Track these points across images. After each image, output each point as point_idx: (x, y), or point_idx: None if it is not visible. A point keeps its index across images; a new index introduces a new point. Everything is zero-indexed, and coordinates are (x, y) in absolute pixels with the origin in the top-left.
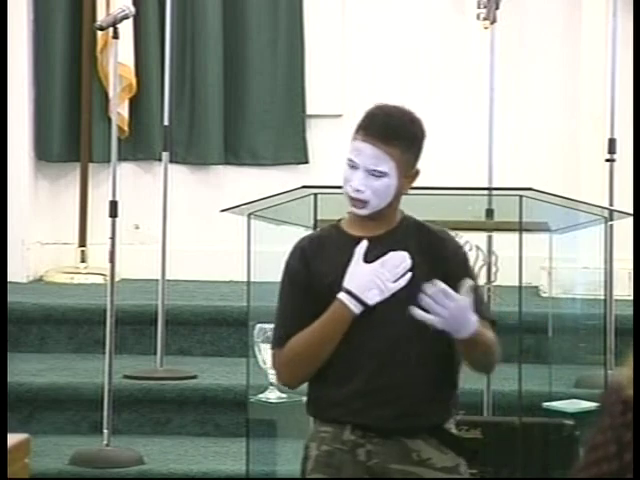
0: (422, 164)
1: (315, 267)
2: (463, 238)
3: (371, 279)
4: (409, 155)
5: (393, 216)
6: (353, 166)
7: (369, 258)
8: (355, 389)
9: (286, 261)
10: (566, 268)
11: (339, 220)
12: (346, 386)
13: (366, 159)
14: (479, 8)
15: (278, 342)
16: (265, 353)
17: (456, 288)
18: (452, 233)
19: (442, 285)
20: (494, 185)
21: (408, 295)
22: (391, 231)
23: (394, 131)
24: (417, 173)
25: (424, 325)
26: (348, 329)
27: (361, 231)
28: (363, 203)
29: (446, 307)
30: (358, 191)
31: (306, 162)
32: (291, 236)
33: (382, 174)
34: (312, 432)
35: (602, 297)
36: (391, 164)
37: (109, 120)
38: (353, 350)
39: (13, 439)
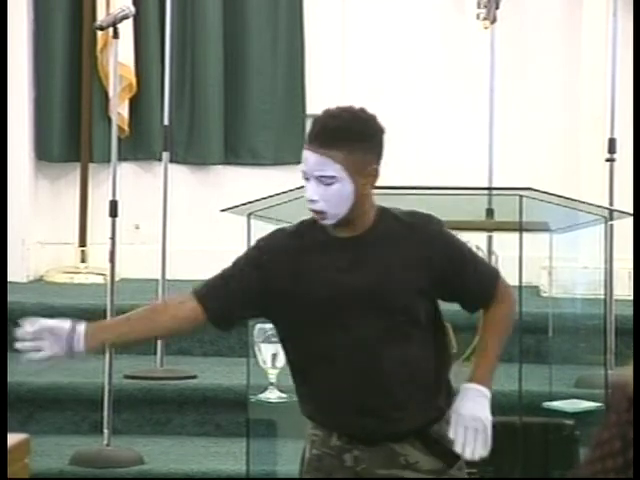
0: (422, 164)
1: (279, 271)
2: (463, 238)
3: None
4: (358, 154)
5: (367, 216)
6: (305, 177)
7: (350, 258)
8: (336, 401)
9: (258, 241)
10: (566, 268)
11: None
12: (327, 398)
13: (311, 166)
14: (479, 8)
15: (195, 291)
16: (265, 353)
17: (447, 270)
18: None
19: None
20: (494, 185)
21: (381, 297)
22: (370, 229)
23: (332, 134)
24: (375, 171)
25: (393, 326)
26: (320, 338)
27: (341, 232)
28: (321, 214)
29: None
30: (312, 201)
31: None
32: None
33: (331, 179)
34: (307, 433)
35: (602, 297)
36: (336, 167)
37: (109, 120)
38: (328, 361)
39: (13, 439)
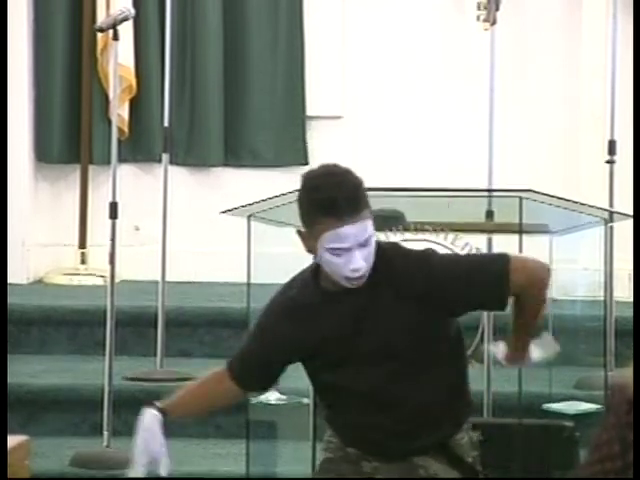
0: (422, 165)
1: (295, 335)
2: (463, 240)
3: None
4: (368, 204)
5: None
6: (339, 254)
7: (351, 310)
8: (360, 429)
9: (267, 311)
10: (566, 270)
11: (317, 266)
12: (352, 425)
13: (356, 238)
14: (479, 9)
15: (228, 364)
16: None
17: (446, 298)
18: (451, 235)
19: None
20: (494, 186)
21: (390, 332)
22: (370, 274)
23: (351, 199)
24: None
25: (409, 362)
26: (339, 380)
27: (339, 285)
28: (361, 277)
29: None
30: (359, 269)
31: (306, 163)
32: (291, 237)
33: (369, 238)
34: (325, 438)
35: (602, 298)
36: (369, 223)
37: (109, 121)
38: (352, 396)
39: (13, 440)
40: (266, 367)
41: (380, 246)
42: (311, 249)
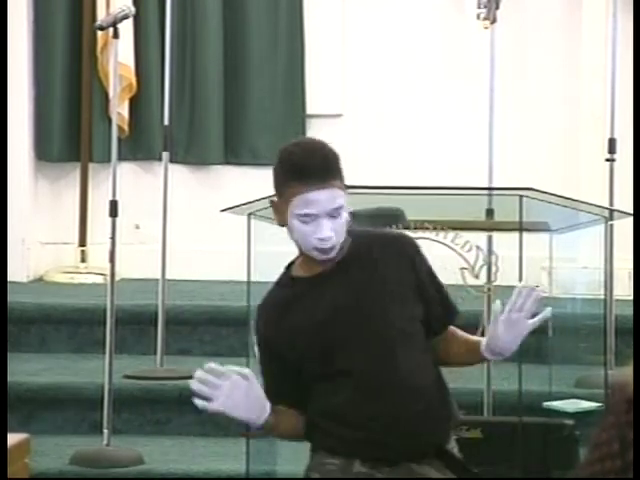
0: (422, 164)
1: (284, 336)
2: (463, 238)
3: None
4: (342, 176)
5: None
6: (307, 221)
7: (330, 290)
8: (359, 421)
9: (255, 324)
10: (566, 268)
11: (290, 265)
12: (350, 419)
13: (325, 204)
14: (479, 8)
15: (268, 398)
16: None
17: (424, 282)
18: (451, 233)
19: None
20: (494, 185)
21: (382, 321)
22: (344, 257)
23: (324, 166)
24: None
25: (395, 340)
26: (331, 366)
27: (315, 269)
28: (331, 249)
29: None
30: (326, 239)
31: None
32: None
33: (340, 209)
34: (314, 463)
35: (602, 297)
36: (341, 194)
37: (109, 120)
38: (345, 383)
39: (13, 439)
40: (284, 379)
41: (354, 232)
42: (283, 221)
